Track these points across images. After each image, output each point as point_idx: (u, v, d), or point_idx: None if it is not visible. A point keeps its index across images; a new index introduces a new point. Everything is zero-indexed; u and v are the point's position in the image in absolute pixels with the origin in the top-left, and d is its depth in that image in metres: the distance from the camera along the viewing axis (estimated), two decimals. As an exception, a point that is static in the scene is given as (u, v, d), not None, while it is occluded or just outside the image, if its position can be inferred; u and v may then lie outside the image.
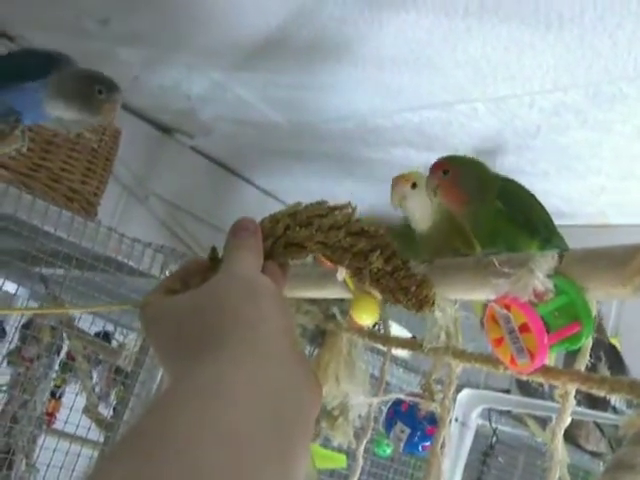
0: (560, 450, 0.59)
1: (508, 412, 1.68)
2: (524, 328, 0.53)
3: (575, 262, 0.54)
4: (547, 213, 0.79)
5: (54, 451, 1.27)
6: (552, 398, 1.49)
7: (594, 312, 0.55)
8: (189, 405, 0.35)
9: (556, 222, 2.04)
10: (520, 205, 0.77)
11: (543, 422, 1.63)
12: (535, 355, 0.52)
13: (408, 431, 0.84)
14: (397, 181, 0.82)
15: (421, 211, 0.80)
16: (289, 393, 0.40)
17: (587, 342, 0.56)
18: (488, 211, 0.74)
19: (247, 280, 0.48)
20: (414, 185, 0.79)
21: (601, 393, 0.53)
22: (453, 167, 0.78)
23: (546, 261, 0.54)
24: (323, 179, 2.25)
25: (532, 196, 0.79)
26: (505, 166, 1.80)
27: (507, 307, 0.54)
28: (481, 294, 0.61)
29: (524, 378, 0.62)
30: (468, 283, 0.62)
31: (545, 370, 0.57)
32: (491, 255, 0.59)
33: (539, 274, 0.53)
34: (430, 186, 0.75)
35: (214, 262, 0.55)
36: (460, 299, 0.69)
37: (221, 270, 0.50)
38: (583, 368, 0.57)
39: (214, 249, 0.57)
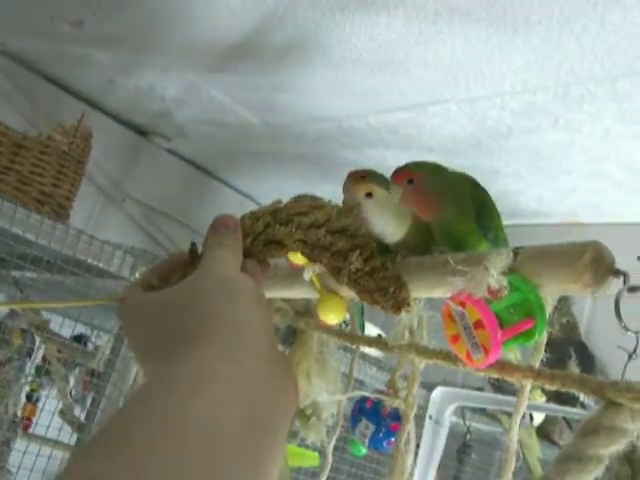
0: (515, 442, 0.60)
1: (482, 410, 1.70)
2: (478, 324, 0.54)
3: (528, 259, 0.55)
4: (499, 216, 0.78)
5: (25, 454, 1.27)
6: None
7: (548, 308, 0.56)
8: (164, 401, 0.35)
9: (529, 221, 2.07)
10: (488, 211, 0.76)
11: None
12: (489, 350, 0.54)
13: (372, 428, 0.85)
14: (352, 183, 0.77)
15: (382, 222, 0.74)
16: (266, 391, 0.40)
17: (542, 338, 0.58)
18: (460, 216, 0.72)
19: (225, 278, 0.48)
20: (369, 195, 0.72)
21: (552, 388, 0.55)
22: (417, 175, 0.75)
23: (500, 259, 0.55)
24: (300, 181, 2.26)
25: (495, 206, 0.78)
26: (479, 167, 1.82)
27: (462, 304, 0.55)
28: (440, 292, 0.62)
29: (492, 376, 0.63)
30: (428, 282, 0.63)
31: (500, 366, 0.58)
32: (447, 254, 0.60)
33: (493, 272, 0.54)
34: (394, 195, 0.71)
35: (193, 258, 0.55)
36: (424, 298, 0.70)
37: (200, 267, 0.49)
38: (537, 363, 0.59)
39: (193, 244, 0.57)
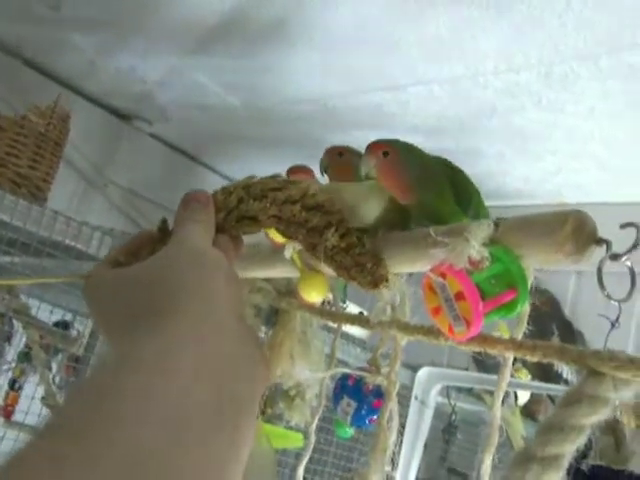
0: (498, 416, 0.60)
1: (468, 390, 1.70)
2: (460, 296, 0.53)
3: (510, 230, 0.55)
4: (478, 193, 0.76)
5: (3, 439, 1.25)
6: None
7: (530, 279, 0.56)
8: (130, 380, 0.34)
9: (515, 202, 2.06)
10: (465, 190, 0.74)
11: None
12: (471, 322, 0.53)
13: (355, 405, 0.85)
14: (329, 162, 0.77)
15: (358, 197, 0.72)
16: (236, 368, 0.39)
17: (524, 309, 0.57)
18: (438, 198, 0.71)
19: (196, 253, 0.47)
20: (340, 154, 0.73)
21: (534, 359, 0.54)
22: (394, 149, 0.73)
23: (481, 230, 0.55)
24: (284, 163, 2.22)
25: (472, 183, 0.76)
26: (463, 147, 1.81)
27: (443, 275, 0.54)
28: (421, 266, 0.61)
29: (479, 355, 0.62)
30: (409, 256, 0.62)
31: (482, 339, 0.58)
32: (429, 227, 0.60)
33: (474, 242, 0.53)
34: (366, 166, 0.68)
35: (163, 234, 0.54)
36: (406, 273, 0.69)
37: (170, 242, 0.48)
38: (520, 335, 0.58)
39: (164, 221, 0.56)
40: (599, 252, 0.52)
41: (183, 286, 0.42)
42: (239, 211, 0.57)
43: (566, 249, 0.50)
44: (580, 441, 0.48)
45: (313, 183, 0.61)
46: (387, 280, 0.63)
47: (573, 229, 0.50)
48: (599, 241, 0.50)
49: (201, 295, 0.42)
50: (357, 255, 0.61)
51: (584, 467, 0.60)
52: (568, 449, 0.48)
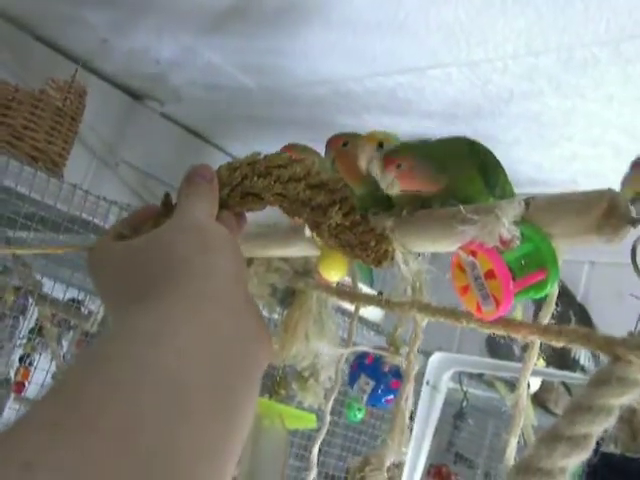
0: (525, 397, 0.59)
1: (479, 376, 1.69)
2: (490, 274, 0.52)
3: (541, 209, 0.54)
4: (504, 171, 0.75)
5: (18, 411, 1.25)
6: (521, 360, 1.51)
7: (560, 260, 0.55)
8: (129, 351, 0.34)
9: (528, 190, 2.04)
10: (493, 169, 0.74)
11: (513, 386, 1.64)
12: (500, 301, 0.52)
13: (372, 384, 0.84)
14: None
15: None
16: (238, 343, 0.39)
17: (553, 290, 0.56)
18: (464, 180, 0.69)
19: (199, 227, 0.46)
20: (380, 144, 0.72)
21: (560, 344, 0.53)
22: (405, 158, 0.71)
23: (512, 208, 0.54)
24: (296, 146, 2.23)
25: (498, 161, 0.76)
26: (479, 132, 1.79)
27: (473, 253, 0.53)
28: (448, 245, 0.61)
29: (493, 339, 0.62)
30: (435, 235, 0.62)
31: (507, 322, 0.57)
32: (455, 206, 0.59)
33: (505, 221, 0.53)
34: (385, 182, 0.65)
35: (167, 209, 0.54)
36: (426, 252, 0.69)
37: (173, 217, 0.48)
38: (549, 317, 0.57)
39: (167, 195, 0.56)
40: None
41: (183, 261, 0.42)
42: (243, 188, 0.57)
43: (601, 227, 0.49)
44: (609, 422, 0.48)
45: (317, 161, 0.61)
46: (392, 258, 0.63)
47: (608, 208, 0.49)
48: (634, 221, 0.49)
49: (201, 271, 0.41)
50: (361, 233, 0.61)
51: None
52: (596, 430, 0.47)
